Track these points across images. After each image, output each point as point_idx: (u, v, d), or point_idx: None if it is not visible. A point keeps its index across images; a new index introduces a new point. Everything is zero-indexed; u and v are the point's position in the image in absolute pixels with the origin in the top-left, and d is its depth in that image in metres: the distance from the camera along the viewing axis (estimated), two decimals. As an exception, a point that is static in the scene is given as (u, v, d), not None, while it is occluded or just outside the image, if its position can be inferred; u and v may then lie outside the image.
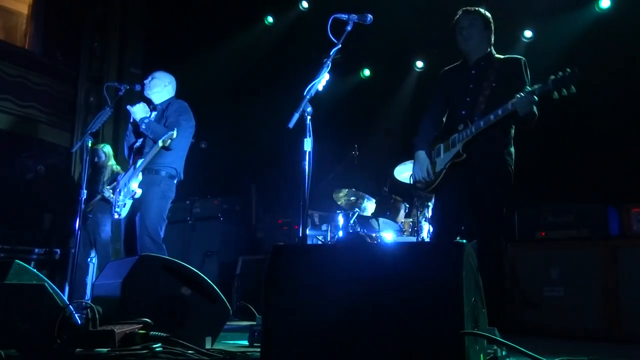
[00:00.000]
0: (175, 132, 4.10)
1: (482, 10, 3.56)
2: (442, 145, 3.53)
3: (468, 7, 3.57)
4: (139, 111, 4.35)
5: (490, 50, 3.56)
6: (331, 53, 3.01)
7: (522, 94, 3.12)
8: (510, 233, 4.60)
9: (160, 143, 4.09)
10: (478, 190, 3.36)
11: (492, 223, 3.35)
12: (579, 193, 5.10)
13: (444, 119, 3.65)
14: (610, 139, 5.18)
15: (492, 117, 3.26)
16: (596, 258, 3.99)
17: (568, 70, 3.01)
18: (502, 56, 3.54)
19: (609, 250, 3.95)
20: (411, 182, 3.83)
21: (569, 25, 5.64)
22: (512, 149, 3.45)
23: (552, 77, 3.05)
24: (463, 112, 3.45)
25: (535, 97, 3.11)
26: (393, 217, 5.43)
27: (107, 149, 6.40)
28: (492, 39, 3.57)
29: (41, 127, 8.01)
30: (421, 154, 3.61)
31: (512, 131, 3.47)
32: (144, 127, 4.29)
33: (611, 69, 5.22)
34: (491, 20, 3.56)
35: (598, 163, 5.20)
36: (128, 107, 4.40)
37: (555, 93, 3.03)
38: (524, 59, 3.45)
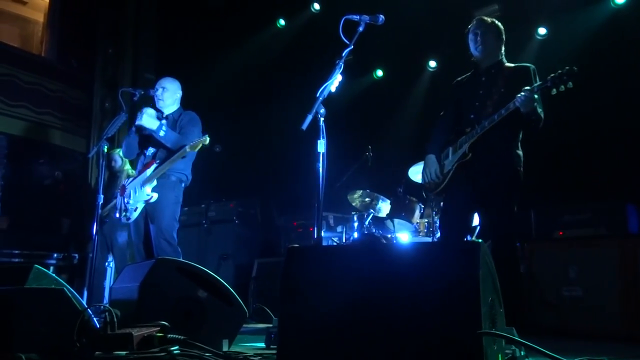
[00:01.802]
0: (207, 138, 4.08)
1: (496, 21, 3.65)
2: (450, 148, 3.64)
3: (483, 17, 3.68)
4: (149, 121, 4.28)
5: (501, 59, 3.64)
6: (343, 54, 3.01)
7: (522, 92, 3.22)
8: (527, 232, 4.56)
9: (188, 149, 4.09)
10: (486, 189, 3.45)
11: (502, 222, 3.42)
12: (597, 191, 5.04)
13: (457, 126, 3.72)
14: (627, 135, 5.11)
15: (495, 116, 3.37)
16: (615, 257, 3.93)
17: (567, 67, 3.13)
18: (512, 64, 3.61)
19: (628, 249, 3.89)
20: (422, 185, 3.96)
21: (584, 22, 5.58)
22: (520, 152, 3.53)
23: (552, 75, 3.17)
24: (471, 116, 3.57)
25: (535, 94, 3.21)
26: (408, 218, 5.40)
27: (122, 154, 6.45)
28: (503, 49, 3.65)
29: (57, 133, 8.10)
30: (430, 158, 3.73)
31: (520, 135, 3.55)
32: (162, 134, 4.26)
33: (628, 64, 5.16)
34: (503, 31, 3.65)
35: (616, 160, 5.13)
36: (138, 123, 4.31)
37: (554, 89, 3.15)
38: (533, 66, 3.53)
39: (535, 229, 4.53)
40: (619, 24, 5.43)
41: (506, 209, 3.42)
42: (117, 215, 4.48)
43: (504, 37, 3.65)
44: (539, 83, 3.23)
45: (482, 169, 3.45)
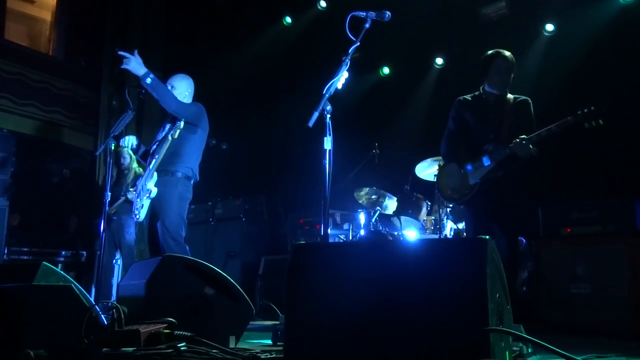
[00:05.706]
0: (182, 124, 4.06)
1: (514, 59, 3.90)
2: (470, 162, 3.84)
3: (505, 53, 3.85)
4: (136, 66, 4.04)
5: (507, 90, 3.95)
6: (350, 51, 3.00)
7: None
8: (535, 229, 4.54)
9: (171, 137, 4.09)
10: (507, 201, 3.75)
11: (515, 229, 3.81)
12: (605, 188, 5.01)
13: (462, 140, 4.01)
14: (636, 132, 5.08)
15: (524, 142, 3.62)
16: (623, 254, 3.91)
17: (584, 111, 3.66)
18: (512, 96, 3.92)
19: (637, 246, 3.86)
20: (443, 196, 4.22)
21: (592, 18, 5.54)
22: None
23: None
24: (491, 136, 3.82)
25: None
26: (415, 215, 5.38)
27: (130, 151, 6.47)
28: None
29: (65, 131, 8.15)
30: (453, 166, 3.97)
31: None
32: (149, 81, 4.02)
33: (636, 61, 5.12)
34: None
35: (624, 157, 5.10)
36: (123, 66, 4.06)
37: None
38: (530, 100, 3.89)
39: (543, 226, 4.50)
40: (626, 20, 5.39)
41: (521, 219, 3.86)
42: (133, 215, 4.45)
43: None
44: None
45: (506, 184, 3.75)
